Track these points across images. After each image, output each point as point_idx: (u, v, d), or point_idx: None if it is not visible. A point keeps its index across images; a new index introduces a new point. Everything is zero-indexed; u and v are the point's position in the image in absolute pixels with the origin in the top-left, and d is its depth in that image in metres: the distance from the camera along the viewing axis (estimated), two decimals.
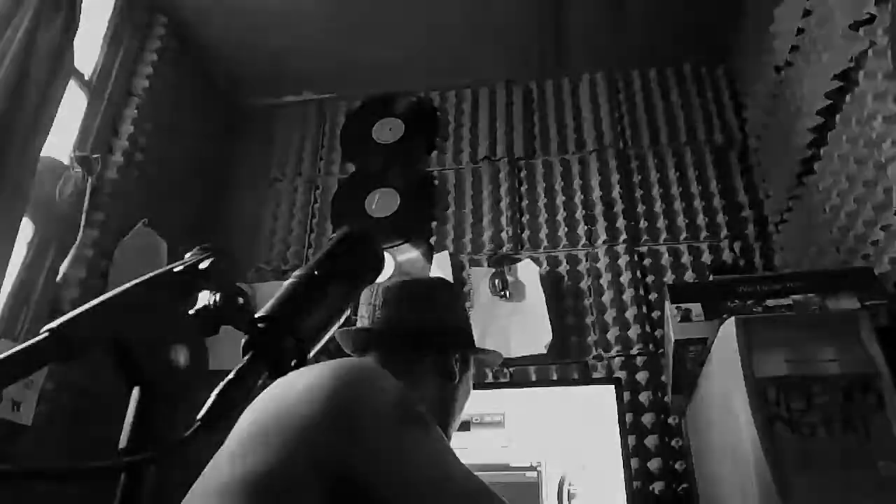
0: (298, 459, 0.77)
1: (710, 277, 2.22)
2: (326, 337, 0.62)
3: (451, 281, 2.50)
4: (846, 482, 1.23)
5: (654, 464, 2.16)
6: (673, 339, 1.70)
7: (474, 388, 1.26)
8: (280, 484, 0.76)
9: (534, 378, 2.38)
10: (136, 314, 0.50)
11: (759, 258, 2.53)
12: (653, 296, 2.49)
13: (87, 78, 2.41)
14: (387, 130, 3.08)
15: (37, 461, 1.87)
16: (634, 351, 2.38)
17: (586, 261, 2.62)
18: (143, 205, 2.48)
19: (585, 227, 2.68)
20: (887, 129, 1.63)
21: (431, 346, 1.15)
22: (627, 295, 2.48)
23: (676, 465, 2.16)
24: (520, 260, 2.62)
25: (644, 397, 2.28)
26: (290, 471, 0.77)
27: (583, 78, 3.05)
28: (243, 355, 0.55)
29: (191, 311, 0.56)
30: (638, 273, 2.53)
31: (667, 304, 1.75)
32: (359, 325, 1.19)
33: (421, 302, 1.18)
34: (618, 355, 2.38)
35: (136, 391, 0.49)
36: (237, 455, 0.81)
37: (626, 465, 1.87)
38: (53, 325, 0.44)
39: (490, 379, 2.36)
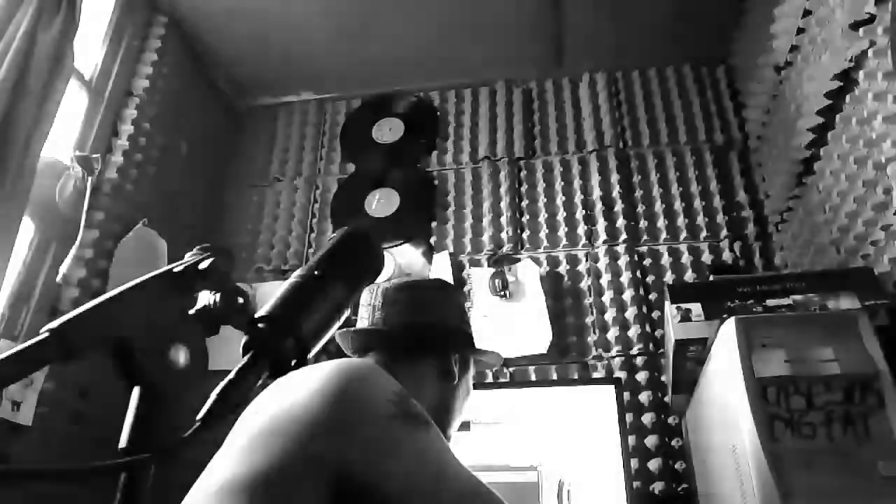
0: (299, 459, 0.77)
1: (710, 277, 2.22)
2: (326, 337, 0.62)
3: (451, 282, 2.50)
4: (846, 482, 1.23)
5: (654, 464, 2.16)
6: (673, 339, 1.70)
7: (474, 387, 1.26)
8: (281, 484, 0.76)
9: (534, 378, 2.38)
10: (136, 314, 0.50)
11: (759, 258, 2.53)
12: (653, 296, 2.49)
13: (87, 78, 2.41)
14: (387, 130, 3.08)
15: (37, 461, 1.87)
16: (634, 351, 2.38)
17: (586, 261, 2.62)
18: (143, 205, 2.48)
19: (585, 227, 2.68)
20: (887, 129, 1.63)
21: (431, 347, 1.15)
22: (627, 295, 2.48)
23: (676, 465, 2.17)
24: (520, 260, 2.62)
25: (644, 397, 2.28)
26: (291, 471, 0.77)
27: (583, 78, 3.05)
28: (243, 355, 0.55)
29: (191, 311, 0.56)
30: (638, 273, 2.53)
31: (667, 304, 1.75)
32: (358, 325, 1.19)
33: (420, 303, 1.18)
34: (618, 355, 2.38)
35: (136, 391, 0.49)
36: (238, 455, 0.81)
37: (626, 465, 1.87)
38: (53, 325, 0.44)
39: (490, 379, 2.36)
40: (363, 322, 1.18)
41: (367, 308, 1.18)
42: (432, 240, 2.76)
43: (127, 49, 2.58)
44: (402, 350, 1.13)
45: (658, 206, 2.68)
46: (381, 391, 0.86)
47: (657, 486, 2.13)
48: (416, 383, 1.06)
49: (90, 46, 2.45)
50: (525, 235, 2.71)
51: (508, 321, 2.46)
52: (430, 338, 1.15)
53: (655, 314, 2.43)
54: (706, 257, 2.54)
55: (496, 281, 2.54)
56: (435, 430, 0.88)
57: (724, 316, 1.54)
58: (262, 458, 0.78)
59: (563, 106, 3.02)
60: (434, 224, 2.80)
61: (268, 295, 0.60)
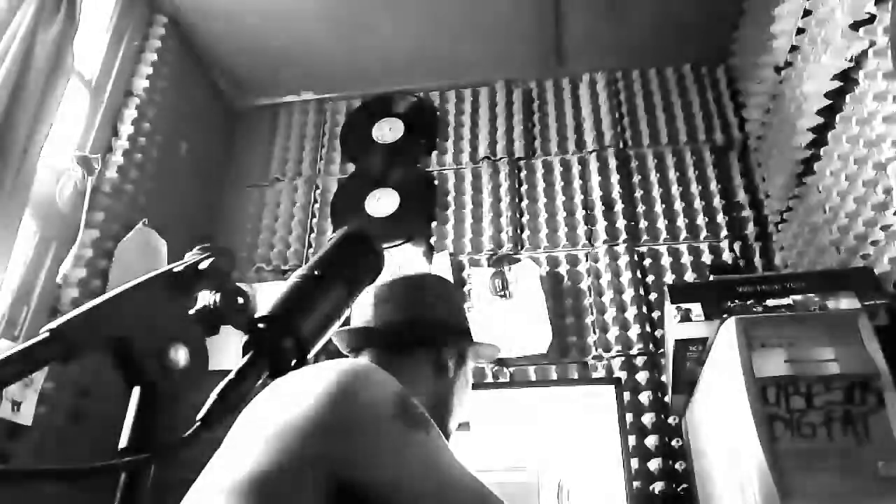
0: (300, 460, 0.77)
1: (710, 277, 2.22)
2: (326, 337, 0.62)
3: (444, 276, 2.50)
4: (846, 482, 1.23)
5: (654, 464, 2.16)
6: (673, 339, 1.70)
7: (474, 388, 1.25)
8: (282, 485, 0.76)
9: (534, 378, 2.38)
10: (136, 314, 0.50)
11: (759, 258, 2.53)
12: (653, 296, 2.49)
13: (87, 78, 2.41)
14: (387, 130, 3.08)
15: (37, 461, 1.87)
16: (634, 351, 2.38)
17: (586, 261, 2.62)
18: (143, 205, 2.48)
19: (585, 227, 2.68)
20: (887, 129, 1.63)
21: (424, 342, 1.14)
22: (627, 295, 2.48)
23: (676, 465, 2.17)
24: (520, 260, 2.62)
25: (644, 397, 2.28)
26: (292, 472, 0.77)
27: (583, 78, 3.05)
28: (243, 355, 0.55)
29: (191, 311, 0.56)
30: (638, 273, 2.53)
31: (667, 304, 1.75)
32: (353, 324, 1.18)
33: (412, 298, 1.17)
34: (618, 355, 2.38)
35: (136, 391, 0.49)
36: (238, 456, 0.81)
37: (626, 465, 1.87)
38: (53, 325, 0.44)
39: (490, 379, 2.36)
40: (357, 321, 1.18)
41: (360, 306, 1.18)
42: (432, 240, 2.76)
43: (127, 49, 2.58)
44: (396, 346, 1.13)
45: (658, 206, 2.68)
46: (382, 392, 0.86)
47: (657, 486, 2.13)
48: (412, 379, 1.05)
49: (90, 46, 2.45)
50: (525, 235, 2.71)
51: (508, 321, 2.46)
52: (422, 332, 1.15)
53: (655, 314, 2.43)
54: (706, 257, 2.54)
55: (496, 281, 2.54)
56: (436, 431, 0.88)
57: (724, 316, 1.54)
58: (264, 459, 0.78)
59: (563, 106, 3.02)
60: (434, 224, 2.80)
61: (268, 295, 0.60)
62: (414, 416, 0.86)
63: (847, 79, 1.83)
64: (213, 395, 0.50)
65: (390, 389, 0.87)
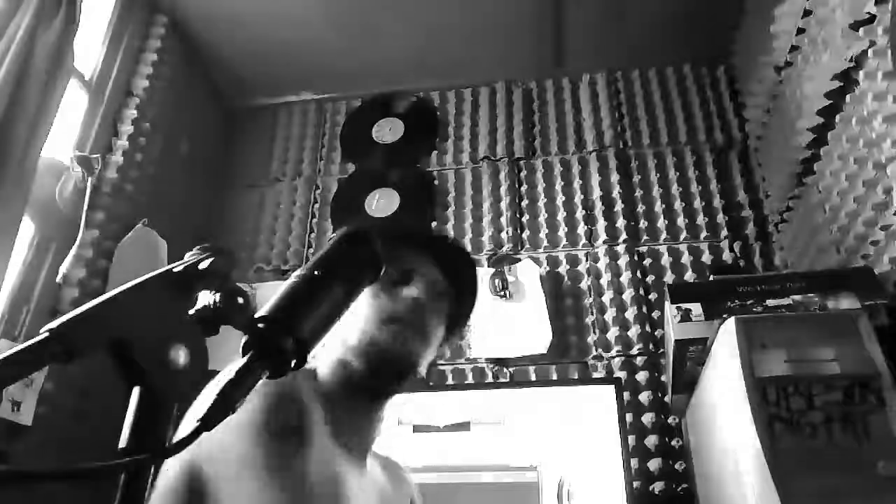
0: (180, 465, 0.82)
1: (710, 277, 2.22)
2: (326, 337, 0.62)
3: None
4: (846, 482, 1.23)
5: (654, 464, 2.16)
6: (673, 339, 1.70)
7: (472, 387, 1.24)
8: (167, 492, 0.81)
9: (534, 378, 2.38)
10: (136, 314, 0.50)
11: (759, 258, 2.53)
12: (653, 296, 2.49)
13: (87, 78, 2.41)
14: (387, 130, 3.08)
15: (37, 461, 1.87)
16: (634, 351, 2.38)
17: (586, 261, 2.62)
18: (143, 205, 2.48)
19: (585, 227, 2.68)
20: (887, 129, 1.63)
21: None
22: (627, 295, 2.48)
23: (676, 466, 2.17)
24: (520, 260, 2.62)
25: (644, 397, 2.28)
26: (175, 478, 0.81)
27: (583, 78, 3.05)
28: (243, 355, 0.55)
29: (191, 311, 0.56)
30: (638, 273, 2.53)
31: (667, 304, 1.75)
32: None
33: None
34: (618, 355, 2.38)
35: (135, 391, 0.49)
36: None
37: (626, 465, 1.87)
38: (53, 325, 0.44)
39: (490, 379, 2.36)
40: None
41: None
42: None
43: (127, 49, 2.58)
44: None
45: (658, 206, 2.67)
46: (262, 394, 0.84)
47: (657, 486, 2.13)
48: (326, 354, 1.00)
49: (90, 46, 2.45)
50: (525, 235, 2.71)
51: (508, 321, 2.46)
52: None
53: (655, 314, 2.43)
54: (706, 257, 2.54)
55: (496, 281, 2.54)
56: (272, 447, 0.83)
57: (724, 316, 1.54)
58: (165, 467, 0.82)
59: (563, 106, 3.02)
60: (434, 224, 2.80)
61: (268, 295, 0.60)
62: (276, 424, 0.84)
63: (847, 79, 1.83)
64: (213, 396, 0.50)
65: (273, 390, 0.85)
